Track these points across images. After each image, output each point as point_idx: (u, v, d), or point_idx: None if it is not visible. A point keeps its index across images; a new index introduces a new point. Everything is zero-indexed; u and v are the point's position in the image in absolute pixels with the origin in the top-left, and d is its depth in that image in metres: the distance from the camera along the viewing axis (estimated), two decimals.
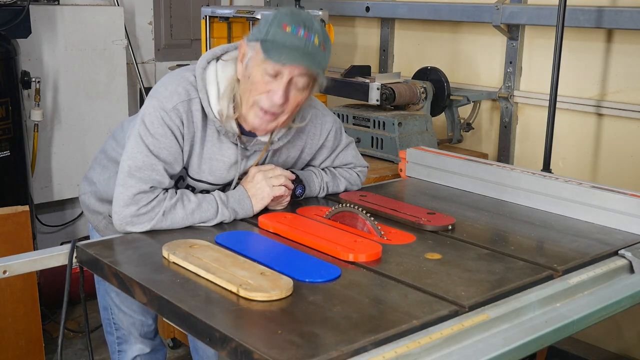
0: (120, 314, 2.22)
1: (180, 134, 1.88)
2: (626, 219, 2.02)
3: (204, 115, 1.90)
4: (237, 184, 2.01)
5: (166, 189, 1.87)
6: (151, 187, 1.83)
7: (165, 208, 1.83)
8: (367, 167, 2.33)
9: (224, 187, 2.02)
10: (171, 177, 1.90)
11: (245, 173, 2.01)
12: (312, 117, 2.07)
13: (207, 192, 1.99)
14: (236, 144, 1.95)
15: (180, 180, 1.98)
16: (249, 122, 1.88)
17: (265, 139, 1.98)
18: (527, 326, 1.47)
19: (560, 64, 2.94)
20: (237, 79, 1.88)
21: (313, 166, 2.22)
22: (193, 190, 1.99)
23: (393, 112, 3.19)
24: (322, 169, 2.21)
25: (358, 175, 2.28)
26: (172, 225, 1.84)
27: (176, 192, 1.88)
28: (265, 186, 1.96)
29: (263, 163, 2.04)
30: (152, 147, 1.85)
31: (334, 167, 2.24)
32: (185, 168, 1.95)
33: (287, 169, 2.11)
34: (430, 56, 3.92)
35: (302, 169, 2.21)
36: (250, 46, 1.82)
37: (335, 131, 2.17)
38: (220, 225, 1.91)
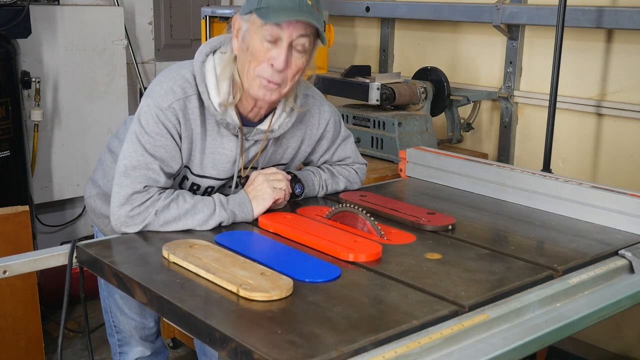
0: (122, 316, 2.22)
1: (177, 132, 1.87)
2: (626, 219, 2.02)
3: (202, 110, 1.89)
4: (239, 177, 2.00)
5: (164, 189, 1.87)
6: (145, 186, 1.83)
7: (158, 208, 1.82)
8: (366, 164, 2.33)
9: (226, 183, 2.02)
10: (169, 175, 1.89)
11: (247, 167, 2.01)
12: (311, 106, 2.08)
13: (212, 188, 1.99)
14: (237, 136, 1.95)
15: (184, 180, 1.98)
16: (253, 94, 1.86)
17: (265, 127, 1.98)
18: (527, 326, 1.47)
19: (560, 64, 2.94)
20: (234, 57, 1.87)
21: (312, 163, 2.22)
22: (198, 188, 1.99)
23: (393, 112, 3.20)
24: (321, 168, 2.21)
25: (357, 172, 2.27)
26: (165, 224, 1.83)
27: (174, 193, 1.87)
28: (267, 187, 1.95)
29: (265, 149, 2.03)
30: (148, 146, 1.84)
31: (332, 165, 2.24)
32: (187, 166, 1.95)
33: (284, 169, 2.11)
34: (430, 56, 3.92)
35: (301, 168, 2.21)
36: (244, 19, 1.83)
37: (335, 122, 2.17)
38: (219, 225, 1.91)
